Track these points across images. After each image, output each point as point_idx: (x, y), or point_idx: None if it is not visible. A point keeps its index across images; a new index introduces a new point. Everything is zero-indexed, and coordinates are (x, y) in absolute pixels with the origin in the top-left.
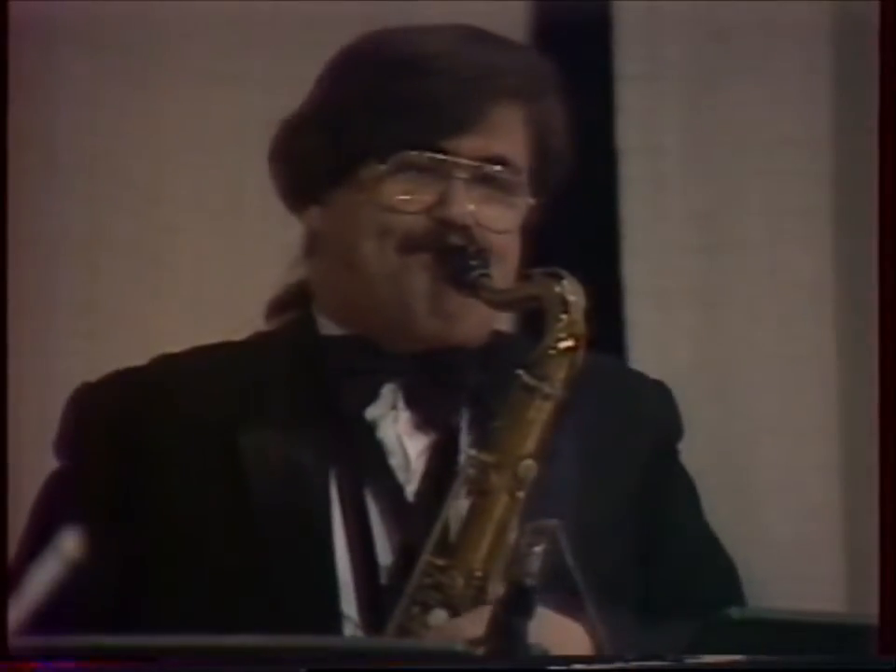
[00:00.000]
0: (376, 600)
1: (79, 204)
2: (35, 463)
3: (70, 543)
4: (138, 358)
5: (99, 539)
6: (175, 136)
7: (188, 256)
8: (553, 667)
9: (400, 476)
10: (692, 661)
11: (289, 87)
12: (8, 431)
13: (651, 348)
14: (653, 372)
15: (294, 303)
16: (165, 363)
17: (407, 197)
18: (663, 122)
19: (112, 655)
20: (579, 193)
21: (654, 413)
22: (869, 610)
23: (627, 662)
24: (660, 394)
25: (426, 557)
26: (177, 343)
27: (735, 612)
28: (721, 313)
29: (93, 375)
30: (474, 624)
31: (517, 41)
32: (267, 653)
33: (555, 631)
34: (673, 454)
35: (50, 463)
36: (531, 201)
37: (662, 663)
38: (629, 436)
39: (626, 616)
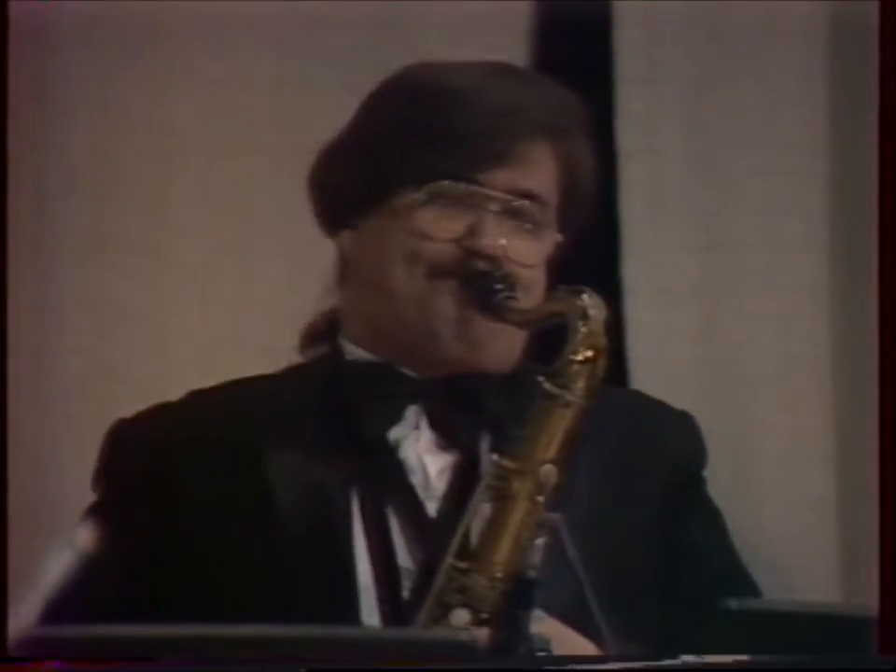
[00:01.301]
0: (398, 613)
1: (87, 204)
2: (37, 462)
3: (84, 536)
4: (144, 357)
5: (131, 565)
6: (182, 137)
7: (196, 255)
8: (553, 667)
9: (421, 494)
10: (692, 660)
11: (297, 88)
12: (9, 431)
13: (651, 348)
14: (653, 372)
15: (325, 333)
16: (198, 398)
17: (439, 225)
18: (663, 123)
19: (114, 649)
20: None
21: (675, 442)
22: (866, 604)
23: (628, 662)
24: (683, 423)
25: (448, 561)
26: (183, 342)
27: (733, 604)
28: (720, 313)
29: (100, 373)
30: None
31: (546, 79)
32: (269, 644)
33: (561, 642)
34: (696, 482)
35: (51, 462)
36: (559, 236)
37: (663, 662)
38: (649, 465)
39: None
